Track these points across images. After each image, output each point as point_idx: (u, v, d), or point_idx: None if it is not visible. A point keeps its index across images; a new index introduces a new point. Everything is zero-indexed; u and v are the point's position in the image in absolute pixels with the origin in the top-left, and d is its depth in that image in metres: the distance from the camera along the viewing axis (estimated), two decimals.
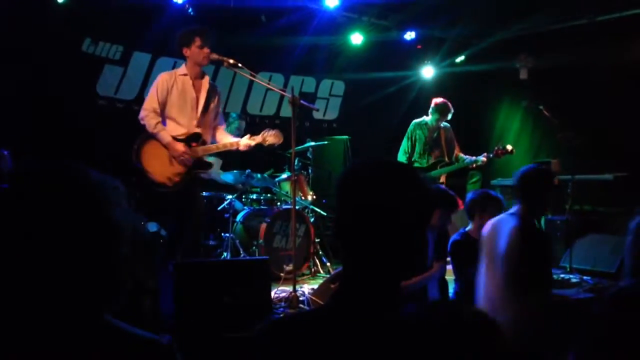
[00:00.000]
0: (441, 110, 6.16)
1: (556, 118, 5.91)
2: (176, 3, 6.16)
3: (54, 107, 5.77)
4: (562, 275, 5.18)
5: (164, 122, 4.32)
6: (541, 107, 6.00)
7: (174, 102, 4.32)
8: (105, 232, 1.13)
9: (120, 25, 6.36)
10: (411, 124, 6.31)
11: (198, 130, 4.36)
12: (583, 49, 6.46)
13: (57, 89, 5.82)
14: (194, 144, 4.33)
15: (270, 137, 4.36)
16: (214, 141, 4.53)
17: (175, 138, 4.27)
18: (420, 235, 1.24)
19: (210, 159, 5.75)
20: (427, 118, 6.27)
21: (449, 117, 6.21)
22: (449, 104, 6.20)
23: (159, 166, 4.24)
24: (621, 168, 6.11)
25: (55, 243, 1.07)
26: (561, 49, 6.85)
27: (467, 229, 3.87)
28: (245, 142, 4.38)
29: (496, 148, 5.93)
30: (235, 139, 4.48)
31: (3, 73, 5.44)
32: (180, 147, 4.25)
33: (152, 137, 4.26)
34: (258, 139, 4.37)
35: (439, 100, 6.23)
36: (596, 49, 6.27)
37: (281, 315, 3.76)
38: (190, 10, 6.25)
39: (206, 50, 4.29)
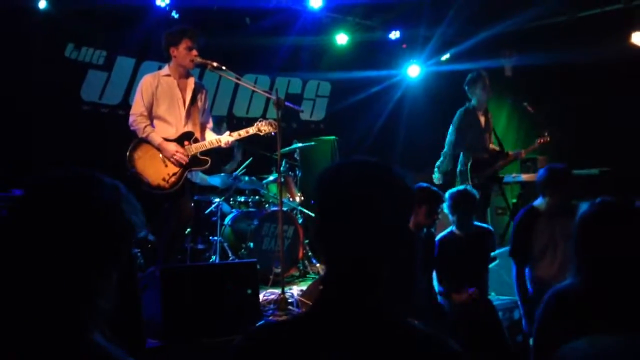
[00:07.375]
0: (476, 80, 5.63)
1: (540, 114, 5.94)
2: (159, 7, 6.11)
3: (38, 112, 5.72)
4: None
5: (153, 125, 4.30)
6: (525, 103, 6.03)
7: (160, 103, 4.29)
8: (118, 239, 1.15)
9: (104, 30, 6.32)
10: (459, 112, 5.78)
11: (188, 129, 4.35)
12: (565, 46, 6.50)
13: (41, 94, 5.76)
14: (186, 143, 4.30)
15: (264, 126, 4.41)
16: (202, 139, 4.53)
17: (166, 139, 4.25)
18: (400, 233, 1.23)
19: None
20: (472, 103, 5.76)
21: (487, 82, 5.65)
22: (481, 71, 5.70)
23: (154, 169, 4.20)
24: (606, 163, 6.17)
25: (68, 254, 1.08)
26: (544, 46, 6.88)
27: (452, 227, 3.88)
28: (226, 139, 4.41)
29: (539, 139, 5.63)
30: (217, 137, 4.48)
31: None
32: (172, 147, 4.23)
33: (143, 141, 4.23)
34: (253, 129, 4.42)
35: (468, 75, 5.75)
36: (578, 45, 6.30)
37: (269, 317, 3.76)
38: (174, 13, 6.21)
39: (194, 52, 4.28)
